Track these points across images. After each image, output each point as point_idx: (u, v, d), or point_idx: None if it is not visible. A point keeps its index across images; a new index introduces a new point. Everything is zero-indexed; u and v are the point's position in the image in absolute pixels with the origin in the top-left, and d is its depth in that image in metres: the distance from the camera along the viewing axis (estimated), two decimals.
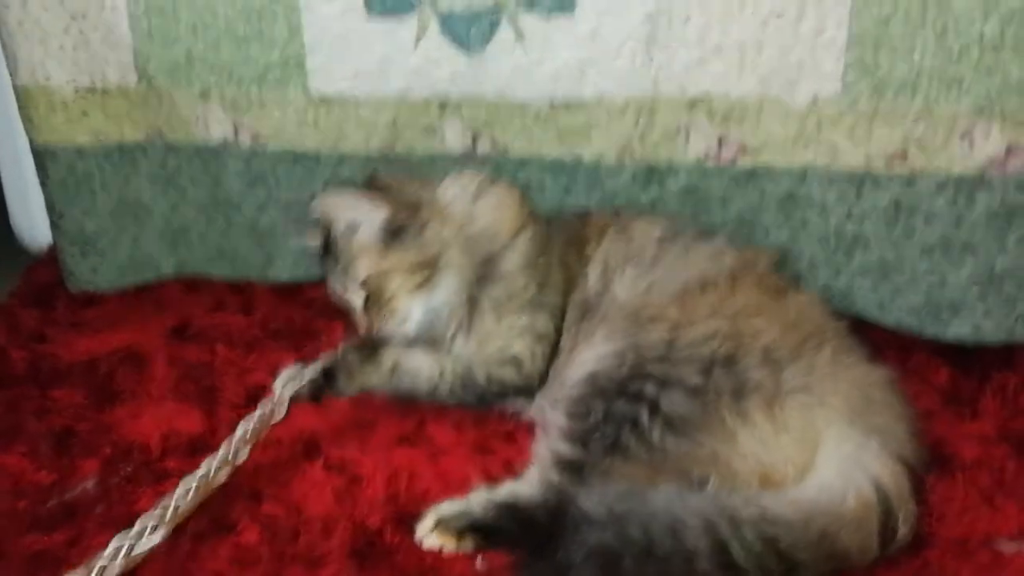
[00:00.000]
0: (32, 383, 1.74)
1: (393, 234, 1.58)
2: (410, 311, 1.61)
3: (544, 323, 1.61)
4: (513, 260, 1.62)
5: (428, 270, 1.59)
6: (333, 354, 1.69)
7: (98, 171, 1.96)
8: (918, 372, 1.79)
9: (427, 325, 1.63)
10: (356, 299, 1.62)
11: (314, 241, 1.69)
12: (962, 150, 1.64)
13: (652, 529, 1.22)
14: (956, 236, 1.70)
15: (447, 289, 1.61)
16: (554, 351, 1.61)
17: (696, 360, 1.39)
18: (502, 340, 1.61)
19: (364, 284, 1.61)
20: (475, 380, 1.61)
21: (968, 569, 1.32)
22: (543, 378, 1.61)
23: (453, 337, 1.63)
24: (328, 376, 1.66)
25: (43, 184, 1.97)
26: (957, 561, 1.33)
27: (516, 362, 1.60)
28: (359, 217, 1.58)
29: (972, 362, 1.80)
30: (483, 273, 1.61)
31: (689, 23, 1.67)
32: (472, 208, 1.64)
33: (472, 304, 1.61)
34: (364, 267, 1.60)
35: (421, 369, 1.64)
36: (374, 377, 1.66)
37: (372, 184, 1.66)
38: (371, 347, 1.67)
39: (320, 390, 1.67)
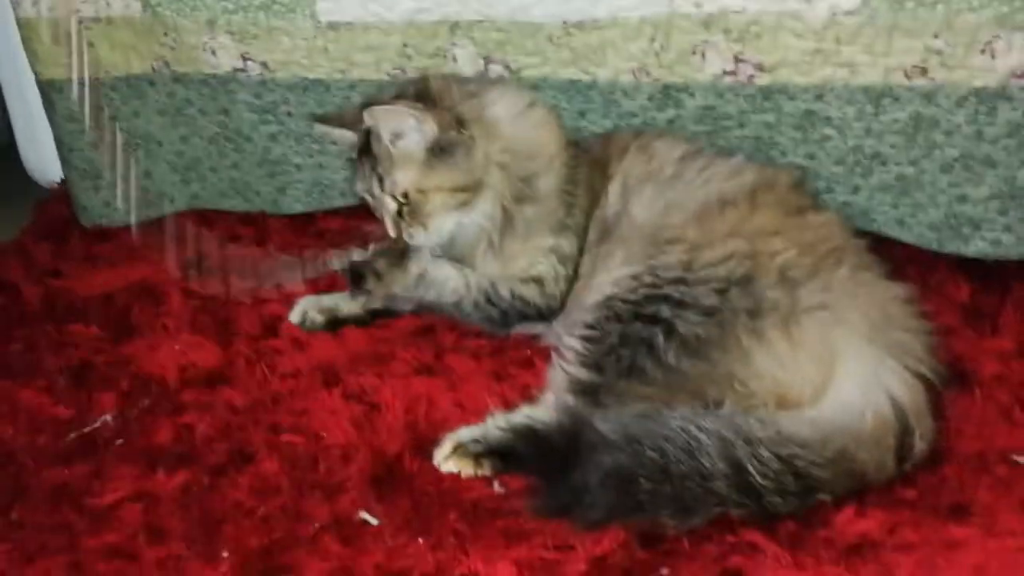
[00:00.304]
0: (48, 318, 1.75)
1: (440, 151, 1.56)
2: (444, 226, 1.61)
3: (569, 245, 1.61)
4: (549, 183, 1.62)
5: (470, 192, 1.58)
6: (364, 253, 1.70)
7: (107, 104, 1.94)
8: (939, 288, 1.78)
9: (458, 240, 1.63)
10: (391, 205, 1.61)
11: (350, 141, 1.67)
12: (983, 62, 1.60)
13: (668, 450, 1.22)
14: (977, 150, 1.66)
15: (484, 209, 1.60)
16: (574, 274, 1.61)
17: (712, 281, 1.37)
18: (527, 259, 1.61)
19: (403, 196, 1.59)
20: (499, 295, 1.61)
21: (985, 483, 1.32)
22: (562, 302, 1.61)
23: (483, 253, 1.63)
24: (356, 278, 1.67)
25: (50, 119, 1.96)
26: (974, 475, 1.33)
27: (539, 281, 1.60)
28: (408, 130, 1.56)
29: (993, 277, 1.78)
30: (519, 193, 1.60)
31: None
32: (517, 127, 1.63)
33: (506, 223, 1.60)
34: (406, 180, 1.58)
35: (448, 280, 1.64)
36: (400, 284, 1.66)
37: (423, 92, 1.62)
38: (399, 254, 1.67)
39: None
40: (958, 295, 1.75)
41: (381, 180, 1.59)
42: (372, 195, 1.63)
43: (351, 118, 1.66)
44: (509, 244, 1.61)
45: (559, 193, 1.61)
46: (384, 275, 1.66)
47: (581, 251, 1.61)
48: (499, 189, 1.59)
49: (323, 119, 1.73)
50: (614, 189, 1.62)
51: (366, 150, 1.61)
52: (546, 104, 1.71)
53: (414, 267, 1.66)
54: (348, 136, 1.67)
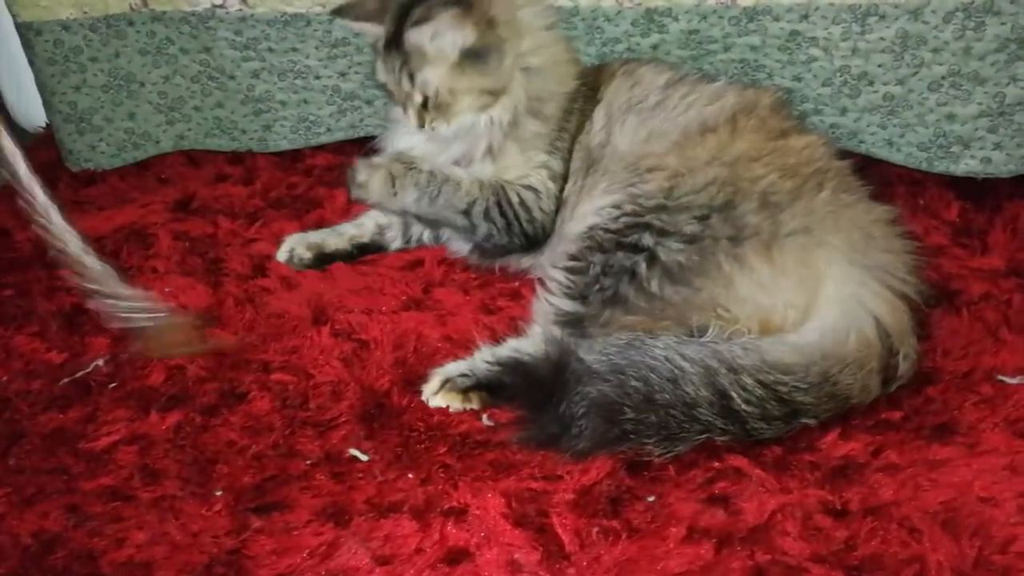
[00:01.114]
0: (39, 264, 1.74)
1: (474, 55, 1.55)
2: (465, 121, 1.60)
3: (558, 165, 1.61)
4: (556, 105, 1.61)
5: (495, 96, 1.58)
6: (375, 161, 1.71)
7: (86, 45, 1.92)
8: (928, 208, 1.78)
9: (467, 135, 1.62)
10: (417, 99, 1.59)
11: (374, 34, 1.65)
12: None
13: (652, 379, 1.23)
14: (965, 67, 1.65)
15: (499, 113, 1.59)
16: (560, 202, 1.61)
17: (694, 208, 1.37)
18: (521, 170, 1.61)
19: (436, 96, 1.57)
20: (509, 198, 1.60)
21: (970, 402, 1.34)
22: (551, 227, 1.61)
23: (483, 154, 1.62)
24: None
25: (31, 62, 1.94)
26: (959, 395, 1.35)
27: (534, 191, 1.60)
28: (446, 34, 1.53)
29: (984, 195, 1.78)
30: (531, 107, 1.60)
31: None
32: (543, 38, 1.62)
33: (511, 129, 1.60)
34: (437, 79, 1.56)
35: (461, 181, 1.63)
36: (413, 180, 1.63)
37: None
38: (408, 160, 1.68)
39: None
40: (948, 214, 1.75)
41: (412, 76, 1.57)
42: (399, 86, 1.61)
43: (374, 8, 1.63)
44: (508, 151, 1.61)
45: (560, 116, 1.61)
46: (399, 176, 1.65)
47: (566, 176, 1.61)
48: (517, 96, 1.59)
49: (341, 11, 1.69)
50: (599, 117, 1.61)
51: (395, 43, 1.58)
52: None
53: (425, 165, 1.65)
54: (371, 29, 1.64)
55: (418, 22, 1.51)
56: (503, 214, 1.60)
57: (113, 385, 1.45)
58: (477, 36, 1.53)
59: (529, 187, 1.60)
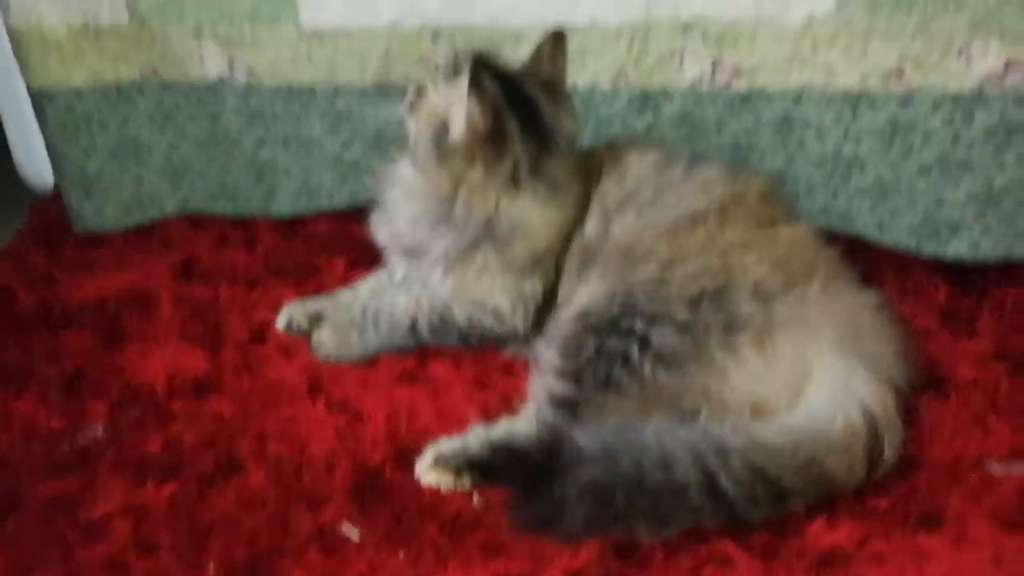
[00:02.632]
0: (43, 325, 1.77)
1: (440, 134, 1.53)
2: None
3: (533, 286, 1.59)
4: (522, 247, 1.58)
5: (415, 163, 1.59)
6: (301, 309, 1.74)
7: (96, 112, 1.97)
8: (917, 291, 1.80)
9: (434, 214, 1.60)
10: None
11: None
12: (959, 66, 1.61)
13: (643, 463, 1.25)
14: (954, 154, 1.68)
15: (416, 184, 1.60)
16: (553, 299, 1.60)
17: (686, 295, 1.40)
18: (478, 291, 1.59)
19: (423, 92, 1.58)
20: (454, 319, 1.60)
21: (957, 491, 1.35)
22: (539, 328, 1.60)
23: (437, 259, 1.60)
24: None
25: (42, 126, 1.98)
26: (946, 483, 1.36)
27: (497, 314, 1.59)
28: (458, 109, 1.49)
29: (972, 279, 1.80)
30: (492, 240, 1.57)
31: None
32: (531, 213, 1.57)
33: (466, 246, 1.58)
34: (430, 96, 1.56)
35: (397, 300, 1.65)
36: (353, 328, 1.65)
37: (512, 122, 1.52)
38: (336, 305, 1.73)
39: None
40: (936, 297, 1.77)
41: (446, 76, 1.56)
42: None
43: (537, 63, 1.59)
44: (461, 267, 1.59)
45: (529, 255, 1.58)
46: (327, 318, 1.69)
47: (555, 282, 1.60)
48: (429, 193, 1.59)
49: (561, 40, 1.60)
50: (593, 218, 1.59)
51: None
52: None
53: (356, 303, 1.69)
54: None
55: (465, 80, 1.46)
56: (452, 330, 1.61)
57: (111, 452, 1.46)
58: (453, 142, 1.52)
59: (487, 308, 1.59)
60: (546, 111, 1.55)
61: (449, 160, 1.53)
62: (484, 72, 1.47)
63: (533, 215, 1.56)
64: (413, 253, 1.66)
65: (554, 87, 1.58)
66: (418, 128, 1.58)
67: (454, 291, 1.61)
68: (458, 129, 1.50)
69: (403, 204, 1.66)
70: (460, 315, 1.61)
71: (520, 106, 1.51)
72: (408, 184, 1.63)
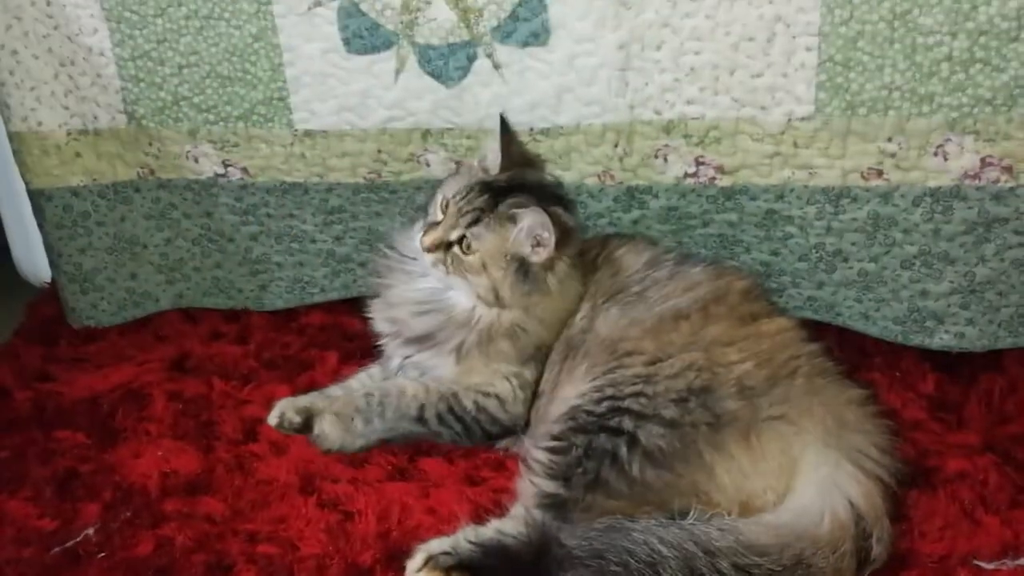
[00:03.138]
0: (37, 425, 1.78)
1: (524, 267, 1.60)
2: (460, 292, 1.65)
3: (531, 373, 1.64)
4: (536, 339, 1.64)
5: (496, 301, 1.62)
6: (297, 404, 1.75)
7: (93, 210, 2.00)
8: (905, 379, 1.82)
9: (446, 316, 1.66)
10: (454, 233, 1.61)
11: (481, 165, 1.70)
12: (937, 164, 1.65)
13: (631, 565, 1.25)
14: (935, 247, 1.72)
15: (483, 313, 1.63)
16: (535, 393, 1.64)
17: (672, 393, 1.41)
18: (484, 377, 1.64)
19: (467, 250, 1.61)
20: (462, 405, 1.63)
21: None
22: (526, 419, 1.64)
23: (449, 350, 1.65)
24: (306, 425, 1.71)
25: (40, 225, 2.02)
26: None
27: (501, 400, 1.63)
28: (532, 240, 1.58)
29: (959, 366, 1.82)
30: (509, 332, 1.63)
31: (662, 48, 1.68)
32: (560, 300, 1.65)
33: (485, 343, 1.63)
34: (488, 245, 1.60)
35: (406, 387, 1.66)
36: (357, 414, 1.66)
37: (564, 215, 1.63)
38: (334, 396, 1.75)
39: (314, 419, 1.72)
40: (924, 387, 1.79)
41: (475, 222, 1.60)
42: (454, 212, 1.62)
43: (513, 155, 1.68)
44: (473, 358, 1.64)
45: (540, 342, 1.65)
46: (326, 410, 1.70)
47: (542, 373, 1.64)
48: (506, 323, 1.63)
49: (507, 127, 1.69)
50: (583, 310, 1.65)
51: (496, 191, 1.62)
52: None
53: (359, 391, 1.70)
54: (495, 157, 1.68)
55: (543, 214, 1.54)
56: (459, 419, 1.63)
57: (102, 555, 1.46)
58: (539, 265, 1.59)
59: (490, 394, 1.63)
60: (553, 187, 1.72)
61: (540, 282, 1.60)
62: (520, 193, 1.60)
63: (553, 306, 1.63)
64: (420, 342, 1.69)
65: (533, 162, 1.74)
66: (491, 279, 1.60)
67: (457, 377, 1.64)
68: (546, 251, 1.58)
69: (419, 311, 1.69)
70: (467, 402, 1.63)
71: (547, 193, 1.66)
72: (470, 315, 1.65)
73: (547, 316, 1.64)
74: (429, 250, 1.63)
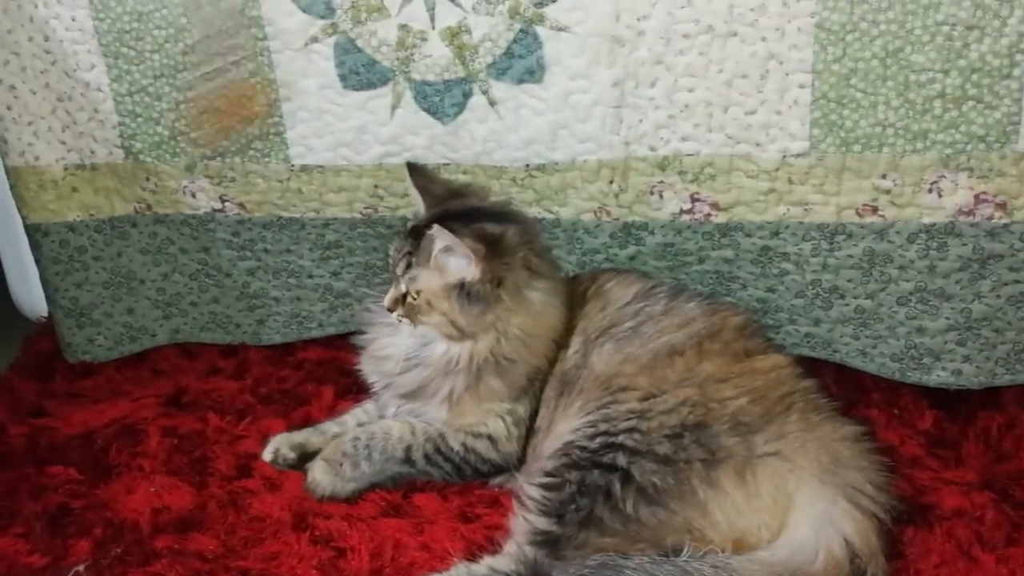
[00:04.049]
0: (30, 460, 1.77)
1: (464, 291, 1.58)
2: (428, 335, 1.64)
3: (525, 409, 1.63)
4: (526, 368, 1.63)
5: (460, 334, 1.61)
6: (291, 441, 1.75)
7: (90, 245, 2.01)
8: (903, 416, 1.81)
9: (427, 360, 1.65)
10: (401, 287, 1.63)
11: (417, 204, 1.72)
12: (931, 200, 1.66)
13: None
14: (931, 284, 1.71)
15: (459, 353, 1.62)
16: (530, 430, 1.63)
17: (666, 429, 1.41)
18: (478, 417, 1.63)
19: (417, 296, 1.61)
20: (449, 446, 1.62)
21: None
22: (522, 456, 1.63)
23: (440, 399, 1.64)
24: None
25: (37, 260, 2.02)
26: None
27: (492, 439, 1.62)
28: (456, 258, 1.57)
29: (958, 403, 1.82)
30: (497, 368, 1.62)
31: (656, 85, 1.69)
32: (539, 318, 1.63)
33: (473, 382, 1.62)
34: (424, 283, 1.60)
35: (391, 428, 1.65)
36: (345, 458, 1.64)
37: (495, 237, 1.60)
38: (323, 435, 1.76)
39: (308, 455, 1.71)
40: (922, 423, 1.78)
41: (408, 267, 1.62)
42: (395, 268, 1.65)
43: (434, 192, 1.70)
44: (465, 401, 1.63)
45: (530, 371, 1.63)
46: (319, 455, 1.68)
47: (537, 408, 1.64)
48: (481, 350, 1.61)
49: (413, 169, 1.73)
50: (574, 343, 1.65)
51: (417, 232, 1.63)
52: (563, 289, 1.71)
53: (347, 435, 1.69)
54: (417, 200, 1.71)
55: (444, 230, 1.53)
56: (447, 459, 1.62)
57: None
58: (478, 280, 1.57)
59: (481, 435, 1.62)
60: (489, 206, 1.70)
61: (489, 298, 1.58)
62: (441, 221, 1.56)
63: (528, 324, 1.61)
64: (411, 397, 1.69)
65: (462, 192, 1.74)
66: (442, 313, 1.60)
67: (450, 420, 1.64)
68: (473, 266, 1.56)
69: (406, 368, 1.68)
70: (454, 443, 1.62)
71: (481, 214, 1.64)
72: (448, 358, 1.64)
73: (525, 336, 1.61)
74: (391, 310, 1.65)
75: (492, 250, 1.57)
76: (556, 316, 1.65)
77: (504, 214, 1.69)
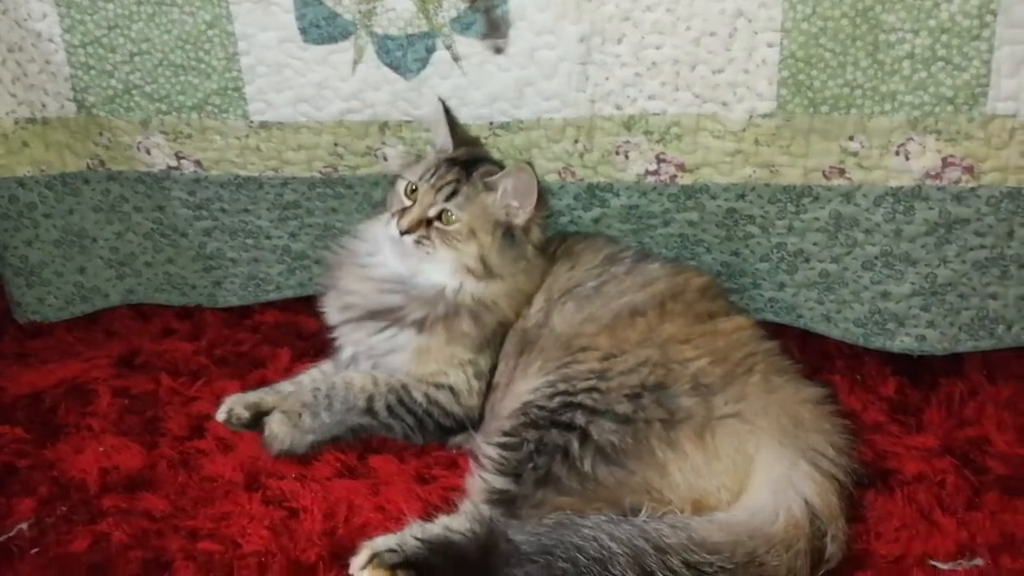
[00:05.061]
0: None
1: (511, 233, 1.61)
2: (443, 264, 1.62)
3: (486, 362, 1.62)
4: (494, 319, 1.63)
5: (485, 272, 1.61)
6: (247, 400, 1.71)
7: (40, 202, 1.95)
8: (867, 382, 1.80)
9: (419, 292, 1.64)
10: (433, 209, 1.61)
11: (441, 141, 1.73)
12: (899, 163, 1.64)
13: (580, 561, 1.21)
14: (897, 248, 1.70)
15: (474, 287, 1.62)
16: (489, 385, 1.61)
17: (625, 388, 1.38)
18: (440, 366, 1.61)
19: (449, 223, 1.61)
20: (412, 398, 1.59)
21: None
22: (480, 413, 1.61)
23: (411, 322, 1.62)
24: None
25: None
26: None
27: (454, 391, 1.60)
28: (523, 202, 1.61)
29: (920, 370, 1.81)
30: (473, 310, 1.61)
31: (623, 42, 1.66)
32: (527, 274, 1.65)
33: (449, 319, 1.61)
34: (473, 214, 1.61)
35: (353, 379, 1.62)
36: (306, 410, 1.61)
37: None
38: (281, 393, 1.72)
39: (262, 415, 1.67)
40: (885, 390, 1.78)
41: (453, 194, 1.61)
42: (425, 192, 1.63)
43: (461, 137, 1.73)
44: (436, 333, 1.61)
45: (498, 323, 1.63)
46: (279, 404, 1.65)
47: (496, 363, 1.62)
48: (490, 296, 1.62)
49: (448, 110, 1.73)
50: (537, 301, 1.64)
51: (463, 164, 1.64)
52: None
53: (307, 387, 1.66)
54: (446, 137, 1.71)
55: (529, 170, 1.58)
56: (410, 412, 1.60)
57: (36, 551, 1.41)
58: (521, 228, 1.62)
59: (443, 385, 1.60)
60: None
61: (523, 247, 1.63)
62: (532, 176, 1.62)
63: (523, 280, 1.64)
64: (379, 317, 1.65)
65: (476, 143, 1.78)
66: (480, 246, 1.60)
67: (413, 365, 1.61)
68: (527, 212, 1.62)
69: (384, 289, 1.67)
70: (417, 394, 1.60)
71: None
72: (437, 290, 1.63)
73: (517, 291, 1.64)
74: (408, 231, 1.61)
75: (539, 200, 1.62)
76: (537, 277, 1.67)
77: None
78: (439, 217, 1.60)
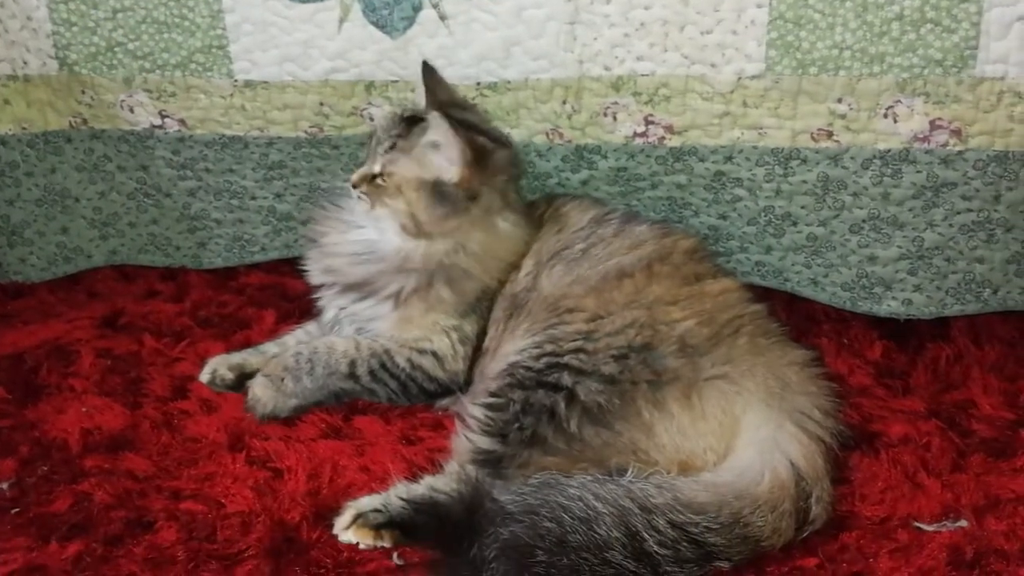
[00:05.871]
0: None
1: (439, 190, 1.57)
2: (383, 222, 1.61)
3: (471, 327, 1.61)
4: (476, 286, 1.61)
5: (417, 230, 1.58)
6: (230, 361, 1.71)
7: (22, 160, 1.93)
8: (853, 346, 1.81)
9: (375, 257, 1.63)
10: (375, 167, 1.60)
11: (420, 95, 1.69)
12: (887, 126, 1.63)
13: (565, 520, 1.21)
14: (884, 211, 1.70)
15: (412, 249, 1.60)
16: (478, 350, 1.60)
17: (612, 348, 1.38)
18: (422, 331, 1.60)
19: (387, 179, 1.59)
20: (395, 363, 1.59)
21: (886, 549, 1.32)
22: (467, 377, 1.60)
23: (387, 296, 1.61)
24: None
25: None
26: (876, 542, 1.33)
27: (438, 356, 1.59)
28: (443, 154, 1.56)
29: (907, 334, 1.81)
30: (448, 277, 1.59)
31: (611, 2, 1.65)
32: (500, 240, 1.62)
33: (424, 290, 1.59)
34: (399, 168, 1.59)
35: (335, 343, 1.62)
36: (287, 373, 1.60)
37: (483, 147, 1.59)
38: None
39: (246, 376, 1.67)
40: (871, 353, 1.78)
41: (393, 146, 1.60)
42: (377, 145, 1.63)
43: (441, 99, 1.66)
44: (413, 306, 1.60)
45: (481, 289, 1.61)
46: (259, 373, 1.64)
47: (485, 328, 1.61)
48: (434, 254, 1.59)
49: (430, 71, 1.68)
50: (526, 264, 1.62)
51: (413, 120, 1.61)
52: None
53: (289, 351, 1.65)
54: (422, 97, 1.68)
55: (442, 123, 1.53)
56: (393, 376, 1.59)
57: (16, 510, 1.40)
58: (455, 184, 1.56)
59: (426, 351, 1.59)
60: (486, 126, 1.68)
61: (458, 205, 1.57)
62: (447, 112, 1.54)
63: (488, 242, 1.60)
64: (358, 289, 1.64)
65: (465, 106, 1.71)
66: (408, 203, 1.58)
67: (395, 331, 1.60)
68: (456, 168, 1.55)
69: (356, 261, 1.66)
70: (400, 359, 1.59)
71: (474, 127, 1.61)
72: (403, 255, 1.61)
73: (483, 254, 1.60)
74: (355, 185, 1.62)
75: (478, 162, 1.56)
76: (518, 243, 1.64)
77: (498, 138, 1.67)
78: (382, 173, 1.60)
